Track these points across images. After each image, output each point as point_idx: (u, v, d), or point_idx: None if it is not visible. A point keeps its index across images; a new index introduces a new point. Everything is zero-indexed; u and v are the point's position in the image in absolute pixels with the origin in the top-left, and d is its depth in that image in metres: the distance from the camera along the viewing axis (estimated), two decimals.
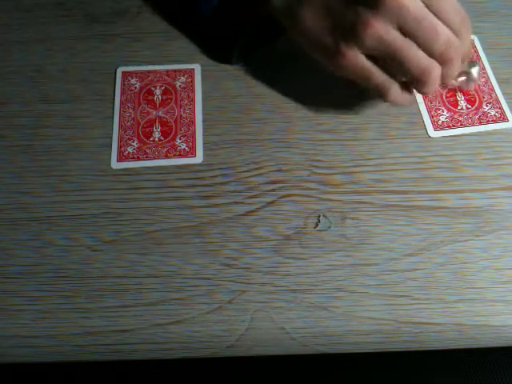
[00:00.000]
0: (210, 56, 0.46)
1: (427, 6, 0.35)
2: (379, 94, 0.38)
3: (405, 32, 0.35)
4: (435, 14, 0.35)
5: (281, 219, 0.39)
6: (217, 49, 0.46)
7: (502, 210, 0.39)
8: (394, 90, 0.37)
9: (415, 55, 0.35)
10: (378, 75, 0.37)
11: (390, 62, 0.36)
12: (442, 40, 0.35)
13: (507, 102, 0.44)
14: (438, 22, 0.35)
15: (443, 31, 0.35)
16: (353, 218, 0.39)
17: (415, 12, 0.34)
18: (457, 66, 0.37)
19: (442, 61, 0.36)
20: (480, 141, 0.42)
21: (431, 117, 0.43)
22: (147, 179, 0.41)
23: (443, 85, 0.40)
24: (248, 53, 0.45)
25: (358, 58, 0.36)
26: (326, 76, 0.45)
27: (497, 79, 0.45)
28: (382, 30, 0.34)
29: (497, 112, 0.44)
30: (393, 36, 0.34)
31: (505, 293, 0.37)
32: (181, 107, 0.44)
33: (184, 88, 0.45)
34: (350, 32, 0.35)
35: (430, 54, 0.35)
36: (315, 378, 0.35)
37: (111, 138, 0.43)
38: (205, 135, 0.43)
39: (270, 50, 0.46)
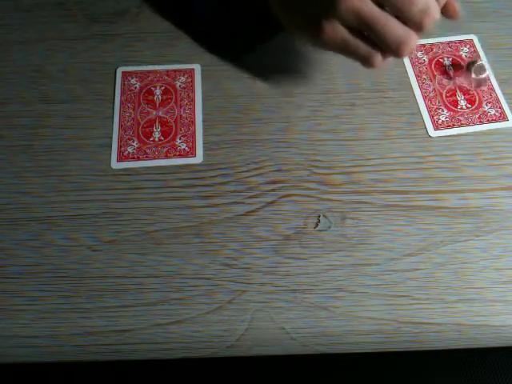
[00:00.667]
0: (213, 54, 0.46)
1: None
2: (363, 63, 0.38)
3: (381, 2, 0.35)
4: None
5: (281, 219, 0.39)
6: (218, 48, 0.46)
7: (502, 210, 0.39)
8: (377, 58, 0.38)
9: (392, 26, 0.36)
10: (359, 46, 0.37)
11: (368, 33, 0.36)
12: (417, 8, 0.35)
13: (507, 102, 0.44)
14: None
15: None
16: (353, 218, 0.39)
17: None
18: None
19: (418, 29, 0.36)
20: (480, 141, 0.42)
21: (431, 116, 0.43)
22: (147, 179, 0.41)
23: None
24: (251, 48, 0.45)
25: (337, 32, 0.36)
26: (326, 76, 0.46)
27: (497, 79, 0.45)
28: (357, 2, 0.35)
29: (497, 111, 0.44)
30: (369, 8, 0.35)
31: (505, 293, 0.37)
32: (181, 107, 0.44)
33: (184, 88, 0.45)
34: (329, 7, 0.35)
35: (406, 23, 0.36)
36: (315, 378, 0.35)
37: (111, 138, 0.43)
38: (205, 135, 0.43)
39: (271, 51, 0.47)
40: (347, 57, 0.38)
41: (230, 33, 0.43)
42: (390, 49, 0.36)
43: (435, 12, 0.36)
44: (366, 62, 0.38)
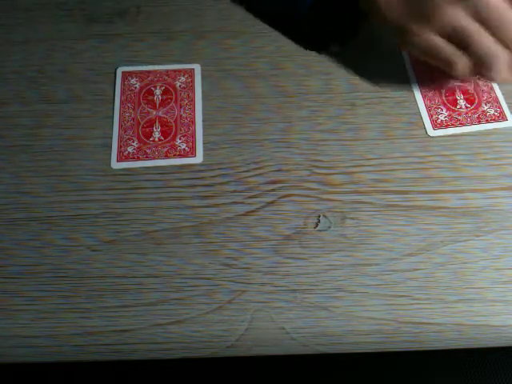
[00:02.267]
0: (213, 54, 0.46)
1: None
2: (447, 68, 0.39)
3: (481, 20, 0.36)
4: None
5: (281, 219, 0.39)
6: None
7: (502, 210, 0.40)
8: (462, 62, 0.38)
9: (485, 40, 0.36)
10: (447, 49, 0.38)
11: (461, 44, 0.37)
12: None
13: (506, 102, 0.44)
14: None
15: None
16: (353, 218, 0.39)
17: (497, 4, 0.36)
18: None
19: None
20: (480, 141, 0.42)
21: (430, 116, 0.43)
22: (147, 179, 0.41)
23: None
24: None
25: (428, 36, 0.38)
26: (326, 76, 0.46)
27: None
28: (456, 18, 0.36)
29: (496, 111, 0.44)
30: (466, 23, 0.36)
31: (505, 293, 0.37)
32: (181, 107, 0.44)
33: (184, 88, 0.45)
34: (426, 20, 0.37)
35: (503, 42, 0.37)
36: (315, 378, 0.35)
37: (111, 138, 0.43)
38: (205, 135, 0.43)
39: (270, 50, 0.47)
40: (429, 60, 0.40)
41: (325, 29, 0.45)
42: (480, 58, 0.37)
43: None
44: (451, 65, 0.38)
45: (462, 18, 0.36)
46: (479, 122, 0.43)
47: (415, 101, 0.44)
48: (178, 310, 0.36)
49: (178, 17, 0.49)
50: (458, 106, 0.44)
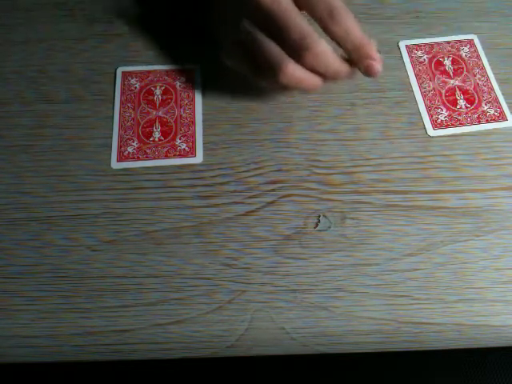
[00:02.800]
0: (213, 54, 0.46)
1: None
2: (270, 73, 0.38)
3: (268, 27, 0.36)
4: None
5: (281, 219, 0.39)
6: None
7: (502, 210, 0.40)
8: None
9: (270, 46, 0.36)
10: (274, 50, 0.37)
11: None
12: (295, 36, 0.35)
13: (506, 102, 0.44)
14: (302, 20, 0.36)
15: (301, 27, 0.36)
16: (353, 218, 0.39)
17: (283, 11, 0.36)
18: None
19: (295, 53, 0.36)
20: (479, 141, 0.42)
21: (430, 116, 0.43)
22: (147, 179, 0.41)
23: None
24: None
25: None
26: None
27: (496, 79, 0.45)
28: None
29: (496, 111, 0.44)
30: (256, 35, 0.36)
31: (505, 293, 0.37)
32: (181, 107, 0.44)
33: (184, 88, 0.45)
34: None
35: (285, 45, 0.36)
36: (315, 378, 0.35)
37: (111, 138, 0.43)
38: (205, 135, 0.43)
39: None
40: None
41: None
42: (264, 64, 0.37)
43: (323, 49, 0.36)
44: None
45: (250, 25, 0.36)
46: (479, 122, 0.43)
47: (415, 101, 0.44)
48: (177, 309, 0.36)
49: (177, 17, 0.48)
50: (458, 106, 0.44)
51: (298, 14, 0.36)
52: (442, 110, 0.44)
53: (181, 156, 0.42)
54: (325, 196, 0.40)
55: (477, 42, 0.47)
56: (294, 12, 0.36)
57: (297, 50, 0.36)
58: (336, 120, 0.43)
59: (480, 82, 0.45)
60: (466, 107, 0.44)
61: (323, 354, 0.35)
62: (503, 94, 0.44)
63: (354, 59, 0.38)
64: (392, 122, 0.43)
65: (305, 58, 0.36)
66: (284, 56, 0.36)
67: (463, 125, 0.43)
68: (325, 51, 0.36)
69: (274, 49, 0.36)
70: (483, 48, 0.47)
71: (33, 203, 0.40)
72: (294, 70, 0.36)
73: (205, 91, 0.45)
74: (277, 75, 0.36)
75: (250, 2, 0.37)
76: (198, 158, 0.42)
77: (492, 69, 0.46)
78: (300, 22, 0.36)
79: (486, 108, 0.44)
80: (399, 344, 0.35)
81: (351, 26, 0.36)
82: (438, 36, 0.47)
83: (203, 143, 0.42)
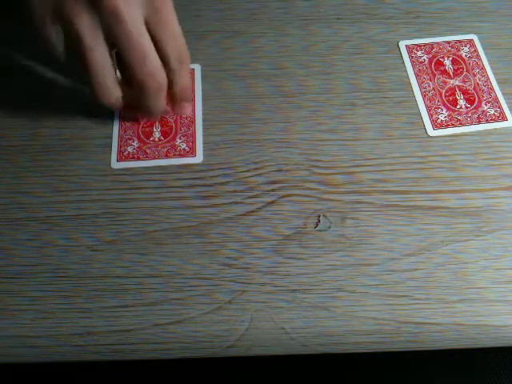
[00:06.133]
0: (213, 54, 0.46)
1: (149, 30, 0.34)
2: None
3: (114, 43, 0.34)
4: (155, 42, 0.35)
5: (281, 219, 0.39)
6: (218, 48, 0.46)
7: (502, 210, 0.40)
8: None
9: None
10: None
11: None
12: (146, 68, 0.35)
13: (506, 102, 0.44)
14: (151, 50, 0.35)
15: (151, 62, 0.35)
16: (353, 218, 0.39)
17: (130, 28, 0.33)
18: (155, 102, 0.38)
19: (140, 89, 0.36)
20: (480, 141, 0.42)
21: (430, 116, 0.43)
22: (147, 179, 0.41)
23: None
24: None
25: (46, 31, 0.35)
26: (326, 76, 0.46)
27: (496, 79, 0.45)
28: (77, 21, 0.32)
29: (496, 111, 0.44)
30: (86, 35, 0.33)
31: (505, 293, 0.37)
32: None
33: None
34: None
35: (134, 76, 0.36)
36: (315, 378, 0.35)
37: (111, 138, 0.43)
38: (205, 135, 0.43)
39: (270, 50, 0.47)
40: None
41: None
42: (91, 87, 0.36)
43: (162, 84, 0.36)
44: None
45: (85, 28, 0.33)
46: (479, 122, 0.43)
47: (415, 101, 0.44)
48: (177, 309, 0.36)
49: (177, 17, 0.48)
50: (458, 106, 0.44)
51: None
52: (442, 109, 0.44)
53: (181, 156, 0.42)
54: (325, 196, 0.40)
55: (477, 42, 0.47)
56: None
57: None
58: (336, 120, 0.43)
59: (480, 82, 0.45)
60: (466, 107, 0.44)
61: (323, 354, 0.35)
62: (503, 94, 0.44)
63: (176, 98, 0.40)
64: (392, 121, 0.43)
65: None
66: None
67: (463, 125, 0.43)
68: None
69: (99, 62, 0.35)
70: (483, 48, 0.47)
71: (33, 203, 0.40)
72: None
73: (205, 91, 0.45)
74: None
75: None
76: (198, 158, 0.42)
77: (492, 69, 0.46)
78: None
79: (486, 108, 0.44)
80: (399, 344, 0.35)
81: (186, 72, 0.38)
82: (438, 36, 0.47)
83: (203, 143, 0.42)
